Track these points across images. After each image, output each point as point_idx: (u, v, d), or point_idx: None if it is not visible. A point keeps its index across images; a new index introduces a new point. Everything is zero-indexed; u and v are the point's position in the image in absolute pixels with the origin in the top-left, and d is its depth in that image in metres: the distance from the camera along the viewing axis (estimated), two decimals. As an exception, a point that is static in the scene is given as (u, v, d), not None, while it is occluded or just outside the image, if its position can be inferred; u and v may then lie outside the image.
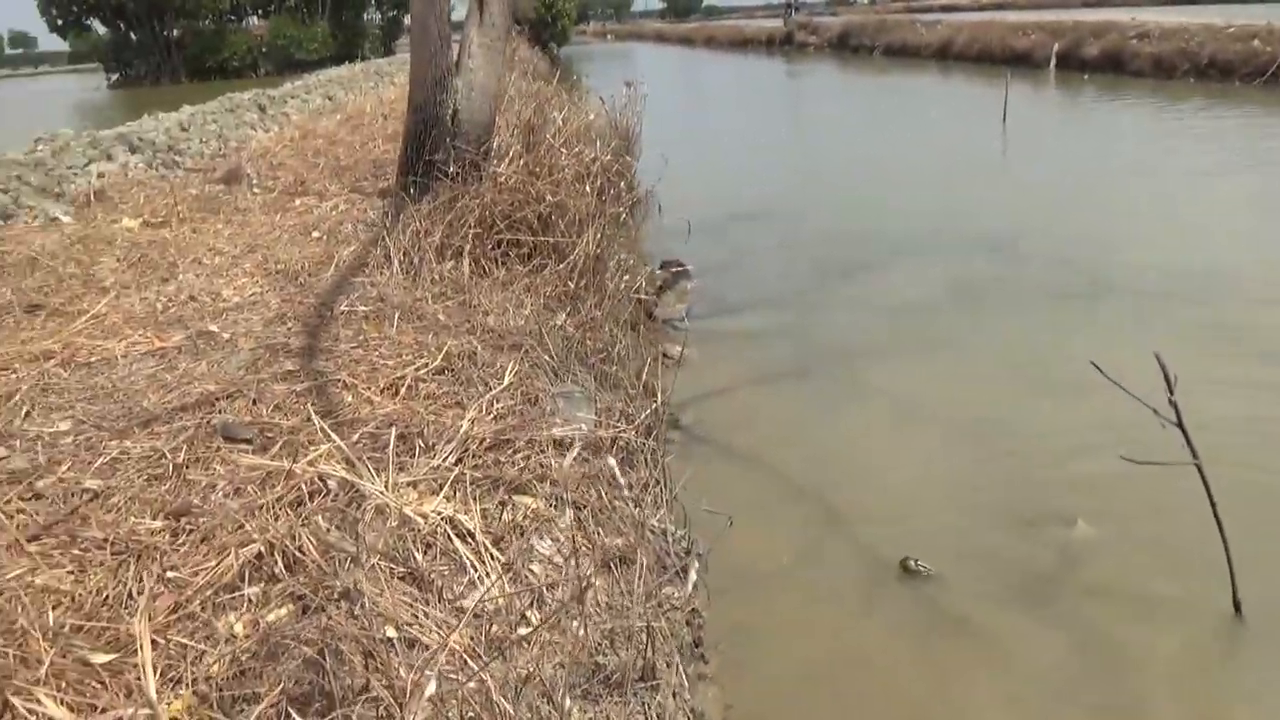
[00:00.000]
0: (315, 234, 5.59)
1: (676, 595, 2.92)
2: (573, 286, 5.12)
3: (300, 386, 3.41)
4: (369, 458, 2.83)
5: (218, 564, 2.21)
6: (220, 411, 3.22)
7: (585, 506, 2.98)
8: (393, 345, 3.82)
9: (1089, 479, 4.44)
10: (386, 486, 2.68)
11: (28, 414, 3.18)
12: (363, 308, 4.33)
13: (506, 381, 3.50)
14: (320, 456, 2.75)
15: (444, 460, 2.89)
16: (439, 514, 2.63)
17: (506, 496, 2.87)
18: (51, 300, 4.41)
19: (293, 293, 4.60)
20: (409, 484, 2.76)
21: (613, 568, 2.81)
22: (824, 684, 3.25)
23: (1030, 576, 3.82)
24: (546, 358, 3.92)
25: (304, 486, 2.64)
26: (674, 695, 2.61)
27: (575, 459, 3.22)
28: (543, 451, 3.16)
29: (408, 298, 4.52)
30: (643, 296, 5.91)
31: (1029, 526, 4.17)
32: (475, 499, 2.79)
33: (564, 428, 3.32)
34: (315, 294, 4.56)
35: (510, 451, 3.09)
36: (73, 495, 2.62)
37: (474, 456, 2.97)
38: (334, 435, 2.81)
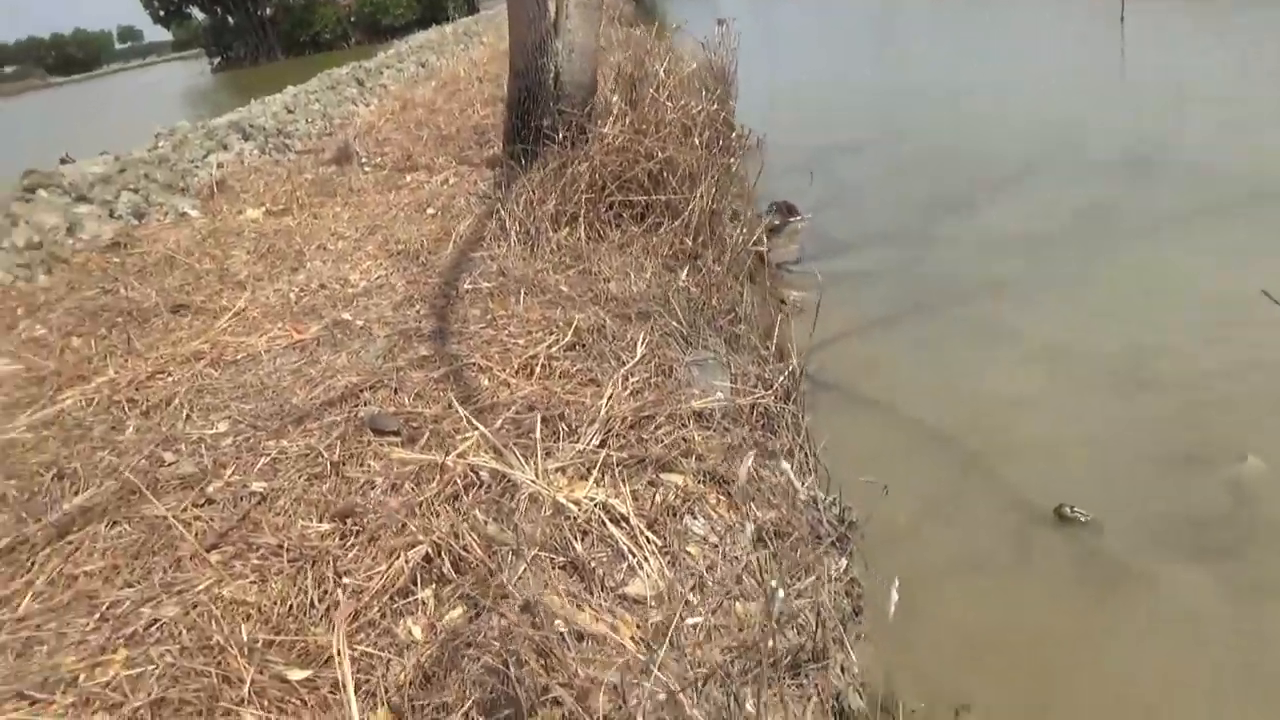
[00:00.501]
0: (430, 210, 5.64)
1: (834, 567, 2.85)
2: (690, 244, 5.01)
3: (437, 373, 3.44)
4: (515, 444, 2.83)
5: (388, 567, 2.25)
6: (365, 403, 3.28)
7: (733, 480, 2.93)
8: (521, 323, 3.81)
9: (1254, 413, 4.14)
10: (537, 474, 2.68)
11: (188, 417, 3.31)
12: (486, 284, 4.34)
13: (639, 354, 3.45)
14: (470, 448, 2.76)
15: (589, 443, 2.87)
16: (591, 500, 2.62)
17: (655, 476, 2.83)
18: (194, 298, 4.57)
19: (416, 273, 4.65)
20: (558, 470, 2.76)
21: (768, 543, 2.75)
22: (983, 640, 3.13)
23: (1198, 520, 3.61)
24: (675, 324, 3.85)
25: (458, 480, 2.66)
26: (842, 670, 2.56)
27: (716, 430, 3.16)
28: (684, 425, 3.11)
29: (528, 270, 4.51)
30: (760, 248, 5.75)
31: (1191, 465, 3.93)
32: (624, 481, 2.77)
33: (702, 399, 3.26)
34: (438, 273, 4.60)
35: (652, 428, 3.05)
36: (241, 499, 2.71)
37: (617, 437, 2.94)
38: (479, 425, 2.82)
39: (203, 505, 2.71)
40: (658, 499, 2.74)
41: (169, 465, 3.00)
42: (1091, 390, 4.59)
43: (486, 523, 2.46)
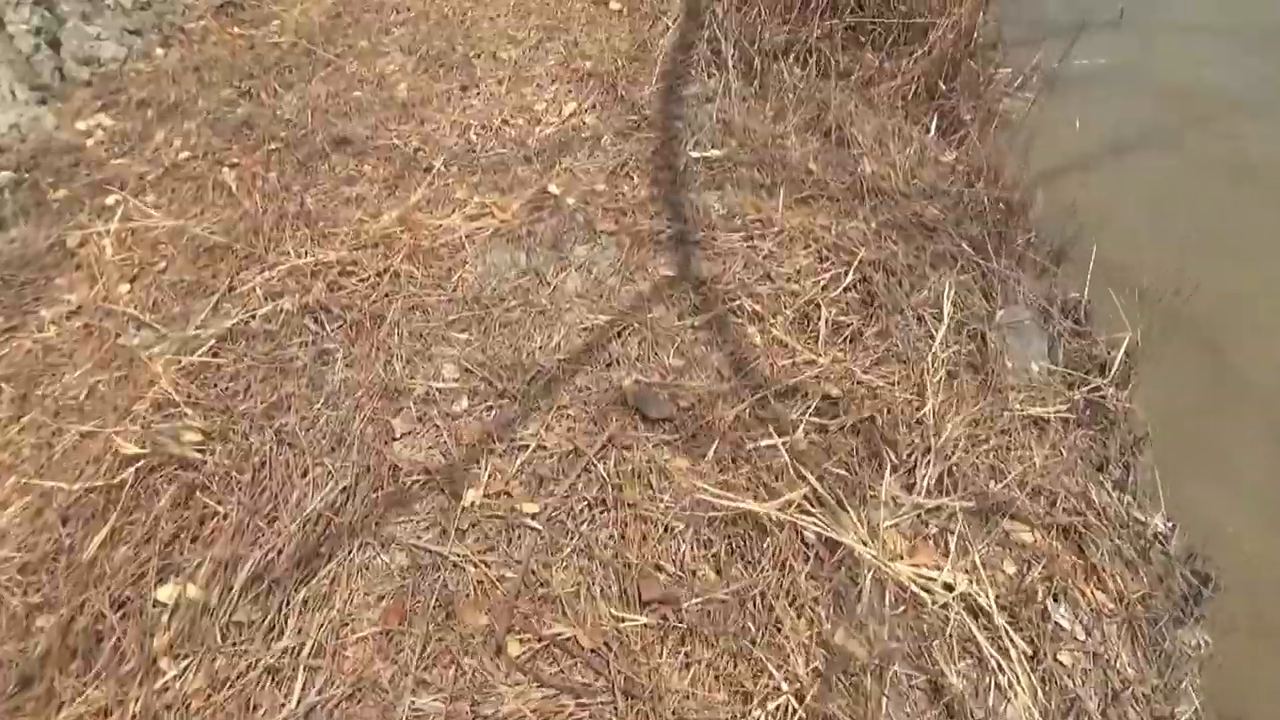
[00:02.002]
0: (614, 4, 4.62)
1: (1190, 642, 2.40)
2: (942, 86, 4.08)
3: (696, 320, 2.84)
4: (829, 474, 2.32)
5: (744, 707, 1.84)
6: (613, 358, 2.72)
7: (1087, 527, 2.41)
8: (780, 237, 3.11)
9: None
10: (869, 533, 2.19)
11: (404, 354, 2.79)
12: (714, 150, 3.56)
13: (947, 316, 2.79)
14: (788, 488, 2.24)
15: (925, 482, 2.34)
16: (947, 587, 2.14)
17: (1002, 531, 2.32)
18: (355, 129, 3.85)
19: (619, 115, 3.84)
20: (891, 525, 2.25)
21: (1137, 631, 2.29)
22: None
23: None
24: (966, 247, 3.12)
25: (776, 531, 2.18)
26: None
27: (1052, 440, 2.59)
28: (1015, 435, 2.54)
29: (760, 126, 3.69)
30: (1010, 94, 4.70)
31: None
32: (969, 540, 2.26)
33: (1035, 401, 2.65)
34: (645, 118, 3.79)
35: (982, 445, 2.49)
36: (514, 530, 2.26)
37: (954, 467, 2.39)
38: (800, 469, 2.28)
39: (466, 530, 2.27)
40: (1009, 569, 2.25)
41: (401, 439, 2.53)
42: None
43: (834, 629, 2.02)
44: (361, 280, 3.07)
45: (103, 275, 3.26)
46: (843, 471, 2.34)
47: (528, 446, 2.45)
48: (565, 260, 3.07)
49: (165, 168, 3.78)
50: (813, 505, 2.21)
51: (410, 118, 3.91)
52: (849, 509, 2.22)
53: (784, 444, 2.38)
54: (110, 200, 3.61)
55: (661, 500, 2.29)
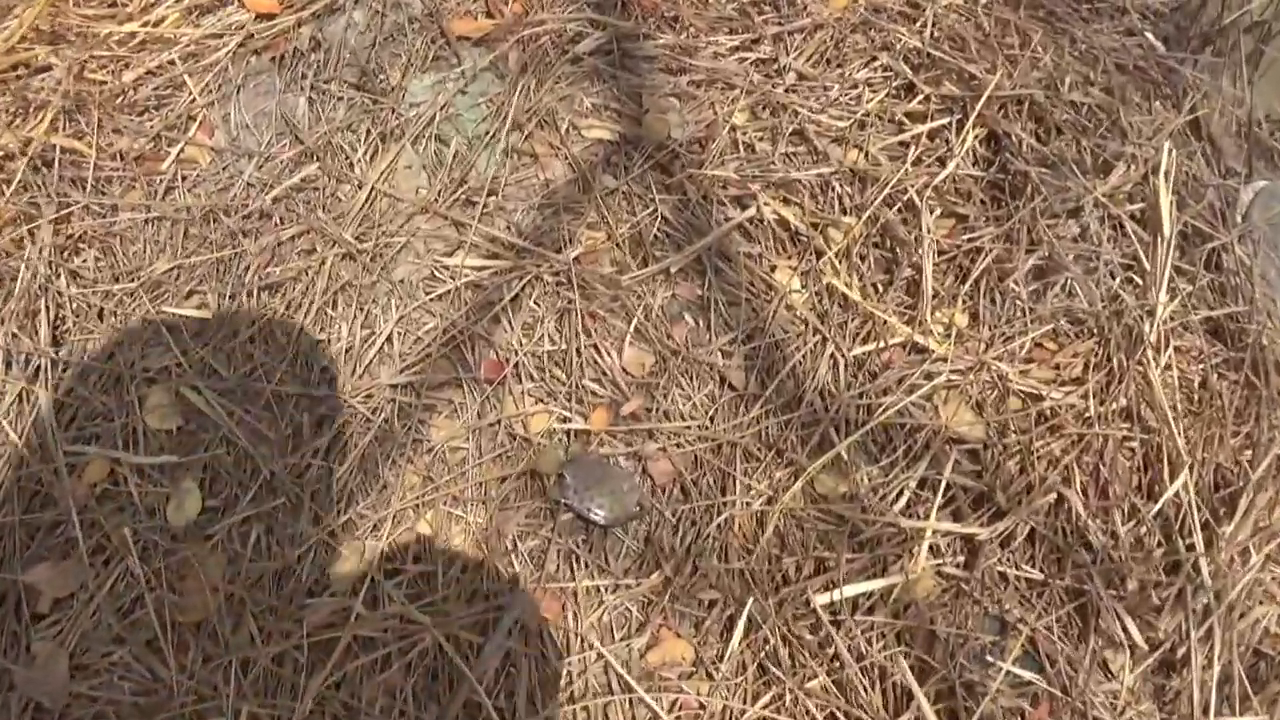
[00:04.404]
0: None
1: None
2: None
3: (671, 259, 1.38)
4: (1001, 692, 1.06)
5: None
6: (510, 362, 1.30)
7: None
8: (814, 47, 1.58)
9: None
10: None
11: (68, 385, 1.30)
12: None
13: (1169, 222, 1.40)
14: None
15: (1198, 679, 1.09)
16: None
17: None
18: None
19: None
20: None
21: None
22: None
23: None
24: (1152, 38, 1.66)
25: None
26: None
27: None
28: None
29: None
30: None
31: None
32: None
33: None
34: None
35: (1269, 542, 1.23)
36: None
37: (1250, 633, 1.14)
38: None
39: None
40: None
41: None
42: None
43: None
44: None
45: None
46: (1032, 673, 1.07)
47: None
48: (390, 113, 1.51)
49: None
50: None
51: None
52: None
53: (887, 617, 1.08)
54: None
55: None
